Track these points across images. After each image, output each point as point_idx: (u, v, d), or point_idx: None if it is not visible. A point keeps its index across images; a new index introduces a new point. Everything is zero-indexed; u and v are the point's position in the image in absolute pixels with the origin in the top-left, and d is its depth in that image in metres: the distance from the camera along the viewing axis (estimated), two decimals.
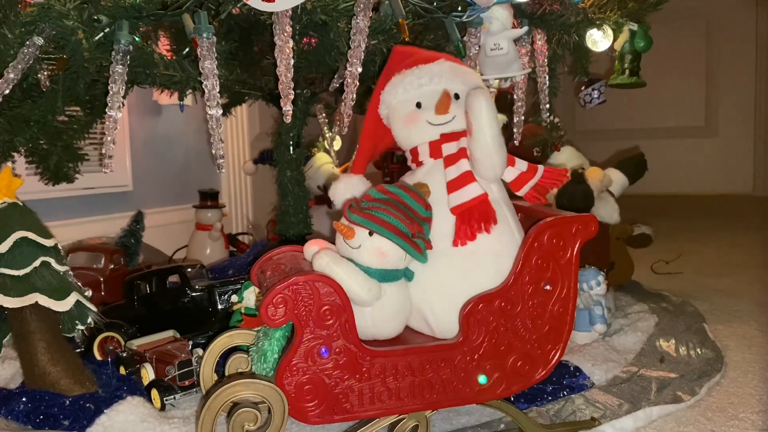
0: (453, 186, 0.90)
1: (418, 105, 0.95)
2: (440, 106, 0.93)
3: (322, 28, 1.09)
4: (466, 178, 0.90)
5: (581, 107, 1.76)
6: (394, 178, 2.26)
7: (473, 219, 0.89)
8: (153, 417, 1.02)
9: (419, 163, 0.97)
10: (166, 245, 2.16)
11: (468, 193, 0.89)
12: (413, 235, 0.85)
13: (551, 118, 1.51)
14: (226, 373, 0.97)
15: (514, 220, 0.93)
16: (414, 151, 0.97)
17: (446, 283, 0.89)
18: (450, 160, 0.92)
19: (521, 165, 0.96)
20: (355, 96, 1.04)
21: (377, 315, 0.86)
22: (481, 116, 0.87)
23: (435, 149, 0.95)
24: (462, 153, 0.92)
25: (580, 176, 1.58)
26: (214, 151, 0.96)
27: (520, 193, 0.97)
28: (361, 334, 0.84)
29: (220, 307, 1.36)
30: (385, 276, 0.86)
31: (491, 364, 0.88)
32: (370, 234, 0.84)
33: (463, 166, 0.91)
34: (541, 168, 0.96)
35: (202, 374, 0.96)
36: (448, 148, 0.93)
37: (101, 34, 0.94)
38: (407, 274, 0.89)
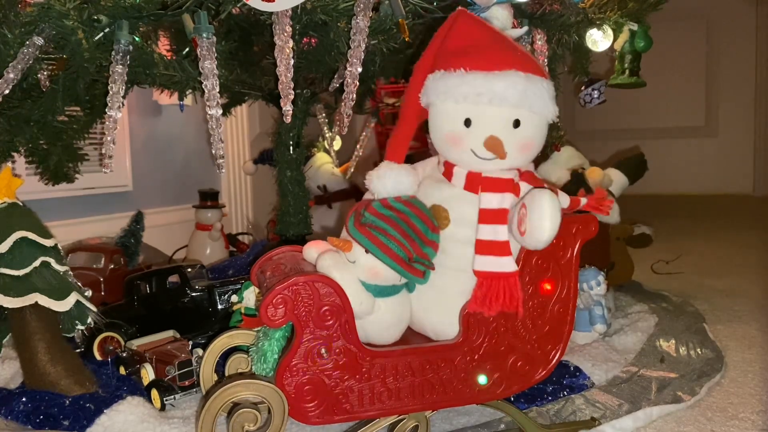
0: (484, 248, 0.82)
1: (467, 122, 0.84)
2: (491, 147, 0.83)
3: (322, 28, 1.09)
4: (502, 249, 0.82)
5: (581, 107, 1.76)
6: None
7: (499, 297, 0.82)
8: (153, 417, 1.02)
9: (449, 178, 0.88)
10: (166, 245, 2.16)
11: (500, 265, 0.82)
12: (410, 260, 0.83)
13: None
14: (226, 373, 0.97)
15: None
16: (448, 165, 0.88)
17: (449, 301, 0.87)
18: (486, 217, 0.82)
19: (564, 200, 0.87)
20: (355, 96, 1.04)
21: (369, 327, 0.85)
22: (543, 232, 0.77)
23: (472, 184, 0.85)
24: (502, 217, 0.82)
25: (580, 176, 1.58)
26: (214, 151, 0.96)
27: None
28: None
29: (220, 307, 1.36)
30: (382, 291, 0.85)
31: (491, 365, 0.88)
32: (367, 251, 0.83)
33: (500, 234, 0.82)
34: (583, 201, 0.89)
35: (202, 374, 0.97)
36: (488, 200, 0.83)
37: (101, 34, 0.94)
38: (409, 286, 0.89)
